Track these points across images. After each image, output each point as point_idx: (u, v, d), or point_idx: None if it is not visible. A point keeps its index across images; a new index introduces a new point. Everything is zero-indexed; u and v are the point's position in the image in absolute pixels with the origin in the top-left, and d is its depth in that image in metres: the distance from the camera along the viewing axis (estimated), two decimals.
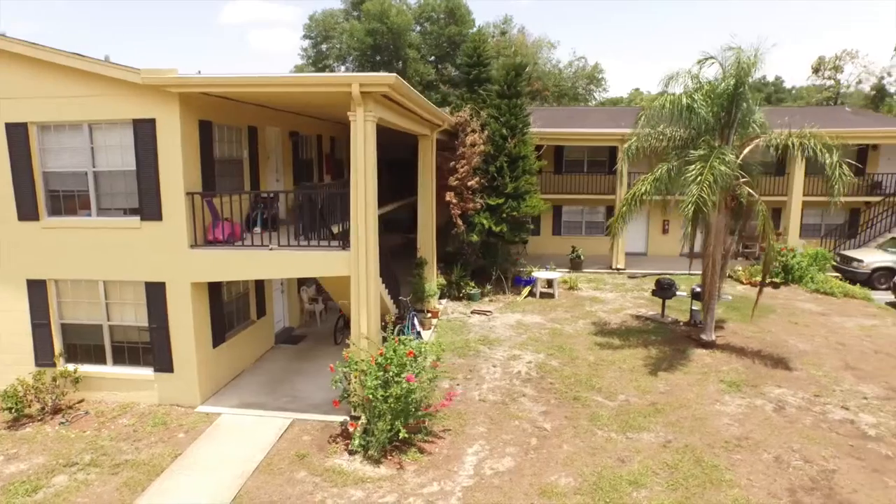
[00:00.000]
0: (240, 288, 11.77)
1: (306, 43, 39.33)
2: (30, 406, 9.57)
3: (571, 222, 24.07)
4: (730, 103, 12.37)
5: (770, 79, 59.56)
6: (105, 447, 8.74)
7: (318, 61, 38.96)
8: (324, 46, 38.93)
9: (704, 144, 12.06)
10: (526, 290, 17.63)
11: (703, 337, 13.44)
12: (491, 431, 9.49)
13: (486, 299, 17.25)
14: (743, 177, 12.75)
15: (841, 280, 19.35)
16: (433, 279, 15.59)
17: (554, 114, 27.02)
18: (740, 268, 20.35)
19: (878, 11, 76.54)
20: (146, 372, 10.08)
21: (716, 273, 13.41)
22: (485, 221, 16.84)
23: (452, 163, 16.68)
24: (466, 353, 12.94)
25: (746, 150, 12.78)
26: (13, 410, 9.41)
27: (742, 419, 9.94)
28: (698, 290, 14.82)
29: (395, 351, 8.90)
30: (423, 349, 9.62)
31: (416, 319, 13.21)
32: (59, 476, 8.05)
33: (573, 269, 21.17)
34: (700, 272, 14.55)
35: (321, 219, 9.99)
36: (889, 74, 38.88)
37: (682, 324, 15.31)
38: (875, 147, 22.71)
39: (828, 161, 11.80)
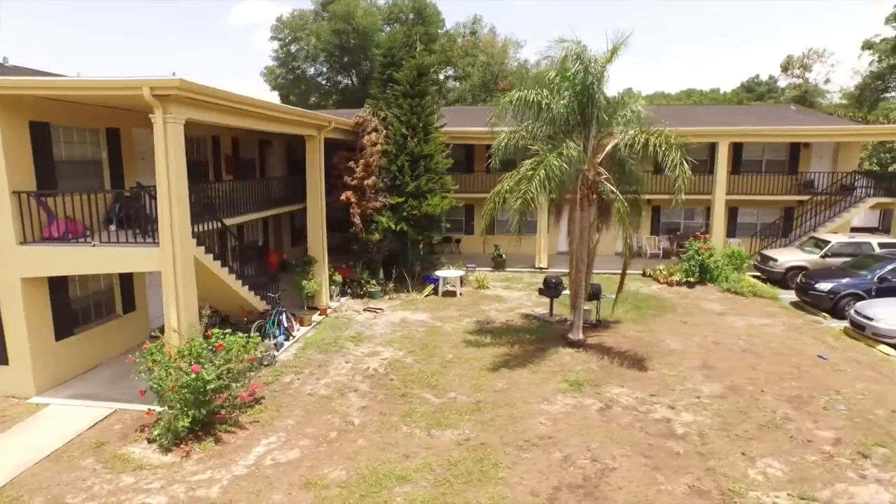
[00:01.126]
0: (99, 283, 12.17)
1: (276, 44, 40.08)
2: None
3: (504, 221, 23.97)
4: (586, 100, 12.35)
5: (763, 78, 58.37)
6: None
7: (287, 62, 39.56)
8: (293, 48, 39.49)
9: (546, 141, 12.08)
10: (428, 289, 17.75)
11: (571, 336, 13.45)
12: (298, 424, 9.70)
13: (387, 297, 17.42)
14: (602, 174, 12.71)
15: (761, 279, 19.14)
16: (322, 277, 15.81)
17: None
18: (662, 266, 20.16)
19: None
20: None
21: (581, 271, 13.40)
22: (384, 220, 17.02)
23: (351, 162, 16.90)
24: (329, 350, 13.15)
25: (608, 148, 12.74)
26: None
27: (559, 419, 9.96)
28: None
29: (193, 343, 9.20)
30: (241, 343, 9.91)
31: (284, 316, 13.46)
32: None
33: (496, 268, 21.23)
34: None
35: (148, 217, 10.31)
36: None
37: (568, 323, 15.27)
38: (807, 145, 22.28)
39: (671, 159, 11.70)
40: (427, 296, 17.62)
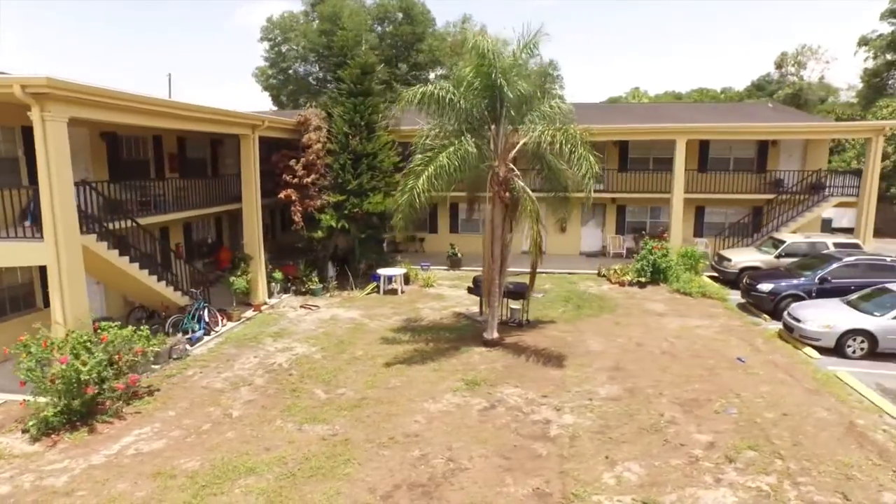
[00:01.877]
0: (16, 277, 12.53)
1: (266, 45, 40.63)
2: None
3: (468, 220, 23.92)
4: (494, 95, 12.23)
5: (775, 76, 56.70)
6: None
7: (277, 63, 40.16)
8: (283, 48, 40.03)
9: (450, 138, 11.99)
10: (370, 287, 17.80)
11: (486, 335, 13.31)
12: (178, 416, 9.84)
13: (328, 295, 17.50)
14: (514, 171, 12.56)
15: (718, 280, 18.67)
16: (259, 274, 15.98)
17: None
18: (617, 266, 19.78)
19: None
20: None
21: (494, 269, 13.22)
22: (326, 218, 17.13)
23: (293, 160, 17.06)
24: (246, 345, 13.29)
25: (518, 145, 12.57)
26: None
27: (436, 417, 9.86)
28: (511, 287, 14.67)
29: (71, 335, 9.43)
30: (127, 336, 10.13)
31: (206, 311, 13.65)
32: None
33: (452, 267, 21.17)
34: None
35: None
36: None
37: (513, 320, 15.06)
38: (775, 143, 21.59)
39: (577, 156, 11.47)
40: (368, 293, 17.67)
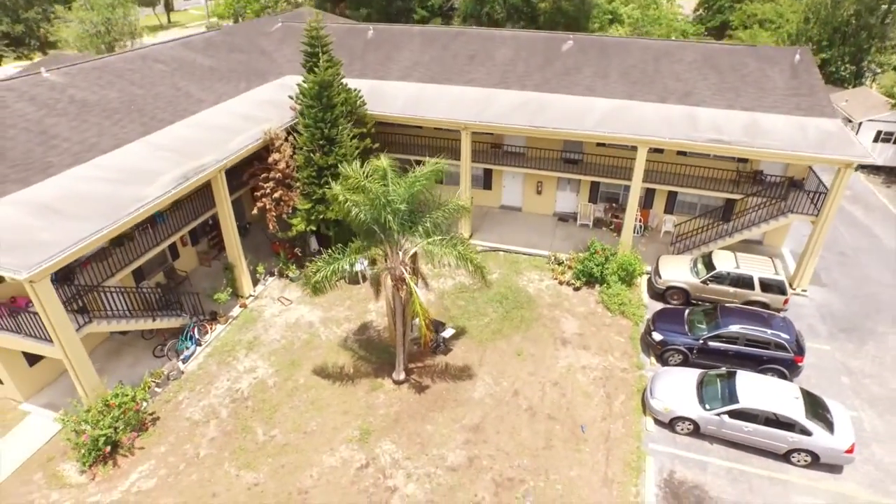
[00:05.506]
0: None
1: None
2: None
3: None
4: (380, 215, 13.94)
5: None
6: None
7: None
8: None
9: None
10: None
11: (394, 376, 16.96)
12: (166, 453, 15.01)
13: (303, 282, 21.14)
14: (407, 271, 14.73)
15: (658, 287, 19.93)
16: (241, 275, 19.79)
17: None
18: (565, 256, 21.42)
19: None
20: None
21: (398, 332, 16.14)
22: (296, 223, 19.96)
23: (264, 174, 19.34)
24: (223, 361, 17.84)
25: (411, 252, 14.50)
26: None
27: (325, 473, 14.32)
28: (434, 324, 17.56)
29: (92, 408, 14.45)
30: (130, 396, 15.00)
31: (196, 329, 18.11)
32: None
33: None
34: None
35: None
36: None
37: (416, 348, 18.26)
38: None
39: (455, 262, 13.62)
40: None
